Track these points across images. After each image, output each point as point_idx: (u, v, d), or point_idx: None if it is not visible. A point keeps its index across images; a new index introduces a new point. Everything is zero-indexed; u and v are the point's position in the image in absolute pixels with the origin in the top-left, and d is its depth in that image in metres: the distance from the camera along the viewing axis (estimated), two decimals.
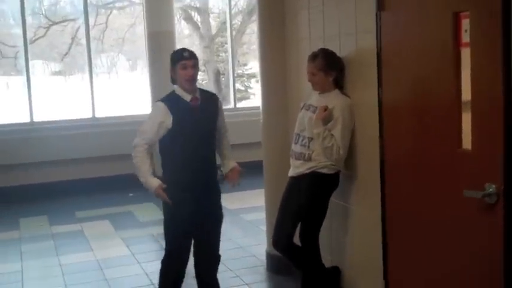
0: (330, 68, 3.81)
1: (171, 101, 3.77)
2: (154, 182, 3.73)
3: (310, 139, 3.83)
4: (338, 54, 3.87)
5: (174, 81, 3.80)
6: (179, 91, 3.78)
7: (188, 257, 3.91)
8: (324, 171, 3.82)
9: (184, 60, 3.71)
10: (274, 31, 4.72)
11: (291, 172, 4.01)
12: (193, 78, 3.75)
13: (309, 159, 3.83)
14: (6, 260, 5.63)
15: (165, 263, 3.93)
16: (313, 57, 3.85)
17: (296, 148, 3.95)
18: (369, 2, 3.48)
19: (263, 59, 4.87)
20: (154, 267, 5.22)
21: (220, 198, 3.95)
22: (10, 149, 7.99)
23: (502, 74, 2.56)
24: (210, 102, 3.89)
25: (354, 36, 3.77)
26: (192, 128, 3.73)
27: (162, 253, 5.51)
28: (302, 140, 3.90)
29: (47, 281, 5.06)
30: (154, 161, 3.85)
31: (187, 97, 3.76)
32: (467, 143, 2.84)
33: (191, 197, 3.74)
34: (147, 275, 5.00)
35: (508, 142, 2.59)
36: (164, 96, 3.86)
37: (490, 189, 2.65)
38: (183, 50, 3.81)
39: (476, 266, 2.83)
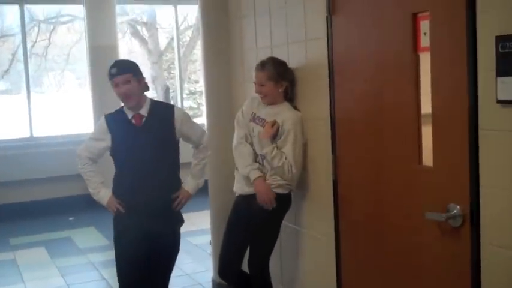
0: (281, 77, 3.47)
1: (114, 117, 3.45)
2: (107, 193, 3.48)
3: (263, 157, 3.47)
4: (287, 63, 3.55)
5: None
6: (125, 107, 3.44)
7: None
8: (278, 191, 3.46)
9: (113, 77, 3.35)
10: (217, 42, 4.41)
11: (239, 189, 3.61)
12: (128, 95, 3.34)
13: (264, 179, 3.46)
14: None
15: None
16: (262, 65, 3.49)
17: None
18: (319, 6, 3.20)
19: (207, 71, 4.54)
20: None
21: (178, 228, 3.60)
22: None
23: (467, 82, 2.29)
24: (162, 117, 3.47)
25: (303, 44, 3.46)
26: (133, 149, 3.37)
27: (101, 283, 5.17)
28: (257, 158, 3.53)
29: None
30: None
31: (129, 114, 3.42)
32: (428, 159, 2.57)
33: (137, 224, 3.38)
34: None
35: (473, 158, 2.31)
36: (113, 111, 3.53)
37: (455, 211, 2.40)
38: (112, 66, 3.40)
39: None
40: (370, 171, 2.95)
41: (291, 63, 3.55)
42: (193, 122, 3.70)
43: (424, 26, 2.49)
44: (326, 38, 3.17)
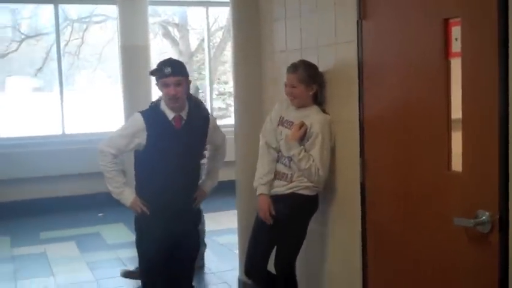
0: (312, 80, 3.48)
1: (151, 115, 3.40)
2: (131, 194, 3.42)
3: (290, 159, 3.49)
4: (317, 67, 3.56)
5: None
6: (163, 106, 3.40)
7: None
8: (305, 192, 3.48)
9: (164, 77, 3.31)
10: (248, 44, 4.44)
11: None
12: (177, 97, 3.33)
13: (291, 180, 3.49)
14: None
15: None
16: (294, 68, 3.51)
17: (279, 167, 3.58)
18: (350, 10, 3.20)
19: (237, 74, 4.58)
20: None
21: (197, 226, 3.69)
22: None
23: (498, 88, 2.28)
24: (199, 121, 3.51)
25: (333, 48, 3.48)
26: (168, 150, 3.36)
27: (128, 280, 5.24)
28: (283, 159, 3.54)
29: None
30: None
31: (170, 115, 3.39)
32: (457, 164, 2.55)
33: (163, 225, 3.43)
34: None
35: (503, 164, 2.30)
36: (147, 108, 3.48)
37: (483, 217, 2.37)
38: (165, 64, 3.35)
39: None
40: (398, 175, 2.94)
41: (321, 66, 3.56)
42: (218, 127, 3.75)
43: (456, 31, 2.49)
44: (356, 42, 3.18)
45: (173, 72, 3.31)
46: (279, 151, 3.59)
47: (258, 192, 3.52)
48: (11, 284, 5.17)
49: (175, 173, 3.41)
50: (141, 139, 3.37)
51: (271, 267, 3.65)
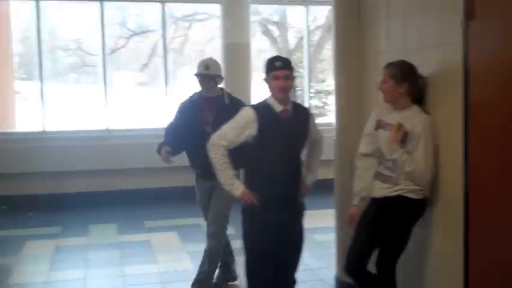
0: (403, 78, 3.49)
1: (260, 109, 3.64)
2: (241, 185, 3.63)
3: (395, 162, 3.49)
4: (419, 66, 3.55)
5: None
6: (271, 100, 3.65)
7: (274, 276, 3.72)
8: (411, 195, 3.48)
9: (274, 70, 3.58)
10: (350, 44, 4.49)
11: (373, 193, 3.68)
12: (286, 90, 3.59)
13: (397, 183, 3.50)
14: (72, 266, 5.62)
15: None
16: (389, 64, 3.57)
17: (382, 170, 3.61)
18: (456, 11, 3.17)
19: (337, 73, 4.63)
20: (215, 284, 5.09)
21: (303, 218, 3.81)
22: (87, 155, 8.12)
23: None
24: (301, 116, 3.74)
25: (437, 49, 3.45)
26: (277, 140, 3.59)
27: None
28: (386, 162, 3.56)
29: None
30: None
31: (278, 108, 3.63)
32: None
33: (270, 215, 3.59)
34: None
35: None
36: (255, 103, 3.76)
37: None
38: (276, 59, 3.64)
39: None
40: (505, 181, 2.86)
41: (424, 67, 3.55)
42: (316, 123, 3.91)
43: None
44: (462, 44, 3.15)
45: (283, 66, 3.58)
46: (379, 153, 3.62)
47: (355, 202, 3.75)
48: (118, 268, 5.50)
49: (282, 164, 3.62)
50: (252, 130, 3.57)
51: (370, 267, 3.67)
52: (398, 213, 3.51)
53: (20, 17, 10.13)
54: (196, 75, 4.57)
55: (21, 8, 9.83)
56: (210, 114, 4.48)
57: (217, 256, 4.70)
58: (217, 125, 4.00)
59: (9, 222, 7.35)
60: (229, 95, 4.68)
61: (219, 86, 4.67)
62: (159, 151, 4.69)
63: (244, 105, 4.24)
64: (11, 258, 5.84)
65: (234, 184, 3.64)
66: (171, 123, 4.79)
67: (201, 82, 4.57)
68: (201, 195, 4.81)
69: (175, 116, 4.77)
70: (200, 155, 4.15)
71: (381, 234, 3.57)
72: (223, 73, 4.69)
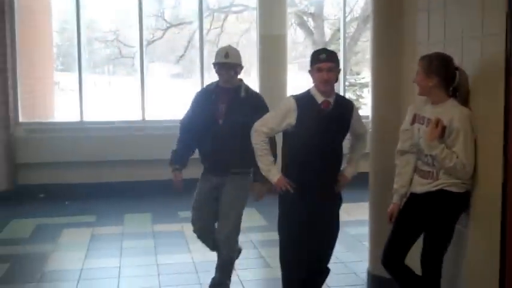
0: (432, 71, 3.42)
1: (302, 99, 3.70)
2: (278, 172, 3.72)
3: (433, 156, 3.42)
4: (460, 59, 3.47)
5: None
6: (313, 91, 3.69)
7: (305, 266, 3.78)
8: (453, 189, 3.41)
9: (319, 62, 3.61)
10: (388, 35, 4.42)
11: (413, 189, 3.63)
12: (328, 82, 3.62)
13: (437, 177, 3.44)
14: (107, 254, 5.72)
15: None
16: (423, 57, 3.53)
17: (420, 165, 3.56)
18: (498, 2, 3.09)
19: (375, 64, 4.58)
20: (250, 275, 5.11)
21: (339, 209, 3.83)
22: (123, 145, 8.23)
23: None
24: (343, 109, 3.75)
25: (478, 40, 3.36)
26: (315, 130, 3.62)
27: (259, 261, 5.45)
28: (425, 158, 3.51)
29: (142, 279, 5.05)
30: None
31: (319, 99, 3.67)
32: None
33: (304, 204, 3.66)
34: (241, 282, 4.87)
35: None
36: (299, 93, 3.79)
37: None
38: (321, 51, 3.68)
39: None
40: None
41: (464, 59, 3.47)
42: (361, 117, 3.88)
43: None
44: (505, 35, 3.07)
45: (327, 58, 3.61)
46: (417, 149, 3.57)
47: (394, 200, 3.69)
48: (152, 257, 5.56)
49: (319, 154, 3.64)
50: (292, 119, 3.65)
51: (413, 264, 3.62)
52: (442, 208, 3.44)
53: (59, 8, 10.31)
54: (214, 64, 4.30)
55: (61, 0, 10.00)
56: (224, 106, 4.25)
57: (231, 265, 4.52)
58: (229, 117, 4.13)
59: (46, 210, 7.52)
60: (247, 88, 4.36)
61: (239, 77, 4.39)
62: (171, 162, 4.55)
63: (261, 99, 4.32)
64: (48, 246, 5.97)
65: (272, 170, 3.73)
66: (186, 115, 4.52)
67: (220, 72, 4.27)
68: (201, 194, 4.48)
69: (190, 106, 4.50)
70: (211, 146, 4.20)
71: (422, 229, 3.52)
72: (243, 62, 4.41)
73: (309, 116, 3.62)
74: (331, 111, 3.66)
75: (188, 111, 4.51)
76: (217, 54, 4.30)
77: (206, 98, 4.36)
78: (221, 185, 4.35)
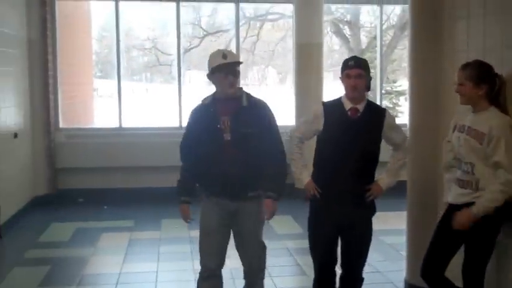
0: (481, 80, 3.38)
1: (330, 105, 3.75)
2: (308, 176, 3.78)
3: (473, 165, 3.40)
4: (500, 67, 3.44)
5: None
6: (343, 98, 3.72)
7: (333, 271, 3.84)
8: None
9: (347, 69, 3.64)
10: (427, 43, 4.39)
11: (452, 199, 3.58)
12: (356, 88, 3.62)
13: (477, 188, 3.39)
14: (144, 259, 5.80)
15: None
16: (465, 66, 3.47)
17: (459, 175, 3.51)
18: None
19: (413, 72, 4.56)
20: (285, 282, 5.12)
21: (370, 217, 3.80)
22: (160, 151, 8.31)
23: None
24: (374, 117, 3.71)
25: None
26: (342, 137, 3.62)
27: (295, 269, 5.45)
28: (464, 166, 3.47)
29: (179, 285, 5.12)
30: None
31: (347, 106, 3.68)
32: None
33: (329, 208, 3.67)
34: None
35: None
36: (330, 100, 3.83)
37: None
38: (350, 58, 3.72)
39: None
40: None
41: (504, 67, 3.45)
42: (398, 126, 3.81)
43: None
44: None
45: (355, 64, 3.62)
46: (457, 159, 3.54)
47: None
48: (189, 263, 5.59)
49: (345, 161, 3.62)
50: (319, 125, 3.71)
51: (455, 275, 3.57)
52: (483, 219, 3.36)
53: (98, 16, 10.53)
54: (213, 68, 3.68)
55: (100, 8, 10.21)
56: (227, 119, 3.66)
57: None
58: (236, 131, 3.63)
59: (85, 214, 7.65)
60: (248, 96, 3.79)
61: (238, 86, 3.80)
62: (178, 192, 4.06)
63: (265, 105, 3.81)
64: (87, 250, 6.08)
65: (303, 174, 3.81)
66: (185, 138, 3.90)
67: (219, 78, 3.67)
68: (212, 218, 3.86)
69: (187, 127, 3.90)
70: (221, 167, 3.64)
71: (463, 241, 3.48)
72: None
73: (336, 123, 3.66)
74: (358, 118, 3.65)
75: (186, 134, 3.90)
76: (213, 58, 3.71)
77: (204, 114, 3.77)
78: (235, 211, 3.77)
